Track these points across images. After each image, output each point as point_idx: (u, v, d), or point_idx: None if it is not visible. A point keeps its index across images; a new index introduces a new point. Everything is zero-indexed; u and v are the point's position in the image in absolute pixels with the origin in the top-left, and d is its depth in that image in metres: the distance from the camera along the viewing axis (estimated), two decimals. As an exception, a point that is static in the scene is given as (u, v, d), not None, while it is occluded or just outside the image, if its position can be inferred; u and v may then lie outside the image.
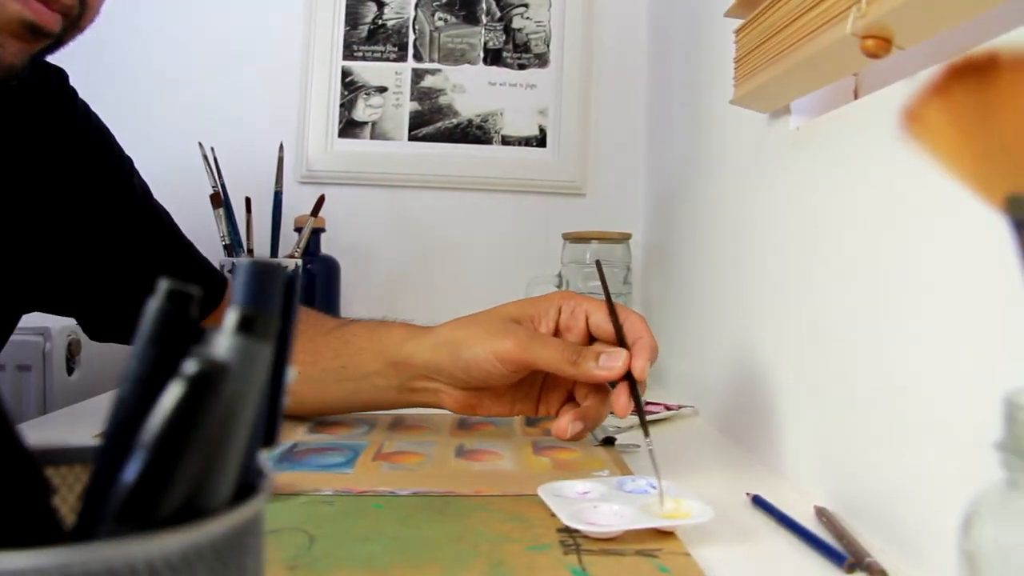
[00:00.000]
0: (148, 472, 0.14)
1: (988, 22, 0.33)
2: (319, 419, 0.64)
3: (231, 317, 0.15)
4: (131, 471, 0.14)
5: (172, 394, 0.14)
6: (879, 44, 0.36)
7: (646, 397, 0.78)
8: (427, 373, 0.53)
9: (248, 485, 0.16)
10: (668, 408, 0.72)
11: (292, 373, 0.18)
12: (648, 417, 0.68)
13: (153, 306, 0.17)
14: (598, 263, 0.55)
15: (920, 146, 0.17)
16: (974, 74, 0.15)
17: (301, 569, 0.35)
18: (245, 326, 0.15)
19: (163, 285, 0.17)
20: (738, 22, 0.54)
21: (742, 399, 0.63)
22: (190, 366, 0.14)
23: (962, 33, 0.35)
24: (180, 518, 0.14)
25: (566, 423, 0.48)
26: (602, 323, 0.50)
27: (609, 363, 0.47)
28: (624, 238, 0.91)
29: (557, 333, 0.52)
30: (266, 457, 0.51)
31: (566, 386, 0.53)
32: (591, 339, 0.52)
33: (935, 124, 0.16)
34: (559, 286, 0.92)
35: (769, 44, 0.46)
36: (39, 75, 0.62)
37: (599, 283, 0.91)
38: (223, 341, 0.15)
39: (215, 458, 0.15)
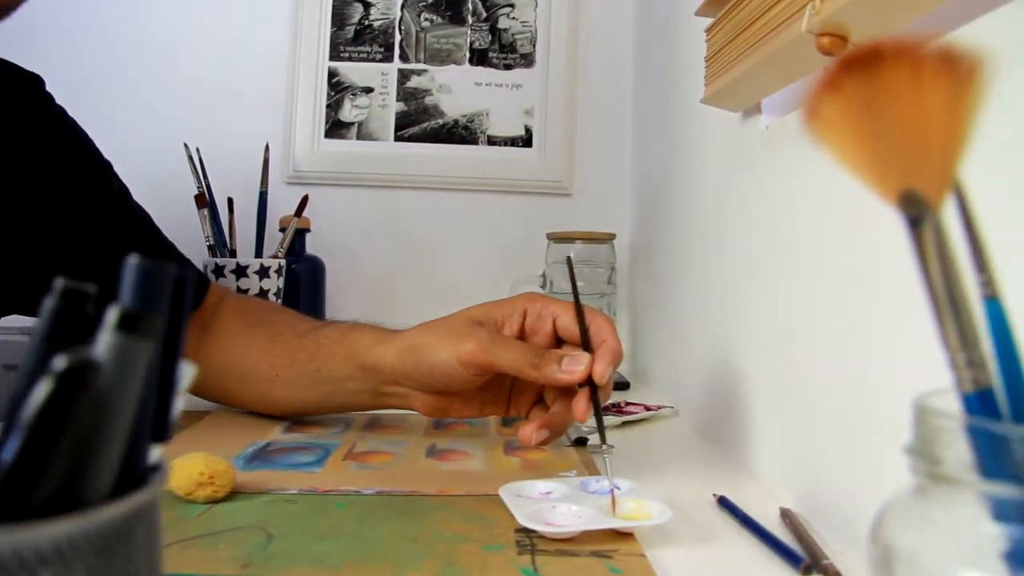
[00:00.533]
0: (17, 461, 0.14)
1: (947, 17, 0.33)
2: (296, 418, 0.65)
3: (111, 315, 0.15)
4: (2, 458, 0.14)
5: (42, 389, 0.14)
6: (834, 42, 0.35)
7: (629, 398, 0.78)
8: (395, 378, 0.53)
9: (136, 479, 0.16)
10: (648, 408, 0.71)
11: (189, 371, 0.18)
12: (628, 417, 0.69)
13: (48, 304, 0.17)
14: (568, 260, 0.54)
15: (819, 142, 0.17)
16: (861, 67, 0.15)
17: (254, 567, 0.35)
18: (124, 324, 0.15)
19: (58, 284, 0.17)
20: (710, 21, 0.54)
21: (718, 400, 0.63)
22: (59, 362, 0.14)
23: (921, 29, 0.35)
24: (54, 510, 0.14)
25: (531, 431, 0.47)
26: (569, 325, 0.50)
27: (571, 367, 0.46)
28: (608, 238, 0.91)
29: (523, 335, 0.51)
30: (234, 456, 0.50)
31: (535, 388, 0.53)
32: (559, 341, 0.51)
33: (831, 119, 0.16)
34: (543, 286, 0.92)
35: (735, 43, 0.46)
36: (15, 81, 0.62)
37: (580, 283, 0.91)
38: (102, 339, 0.15)
39: (89, 450, 0.15)
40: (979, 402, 0.17)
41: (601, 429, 0.46)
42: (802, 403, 0.46)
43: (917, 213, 0.15)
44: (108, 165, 0.68)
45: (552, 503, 0.42)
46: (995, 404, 0.17)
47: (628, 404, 0.74)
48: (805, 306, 0.46)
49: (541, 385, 0.52)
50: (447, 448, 0.57)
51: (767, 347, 0.51)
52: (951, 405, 0.18)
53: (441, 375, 0.49)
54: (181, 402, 0.18)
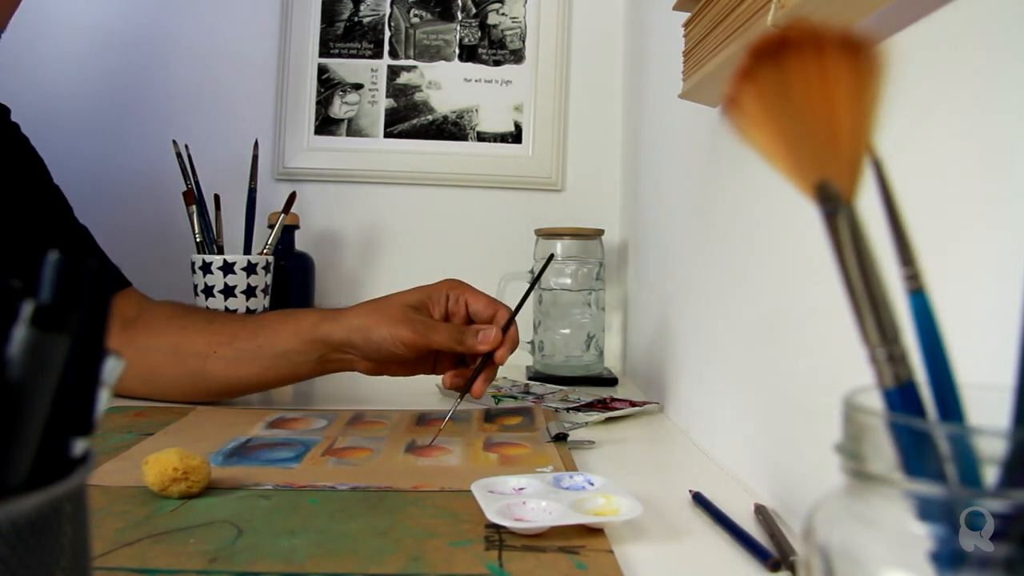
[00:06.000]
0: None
1: (906, 9, 0.33)
2: (278, 415, 0.65)
3: (26, 310, 0.15)
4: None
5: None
6: (801, 36, 0.35)
7: (615, 394, 0.78)
8: (343, 348, 0.62)
9: (57, 472, 0.16)
10: (633, 404, 0.71)
11: (116, 366, 0.18)
12: (613, 413, 0.69)
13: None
14: (551, 257, 0.66)
15: (739, 133, 0.16)
16: (771, 55, 0.15)
17: (221, 561, 0.36)
18: (37, 319, 0.15)
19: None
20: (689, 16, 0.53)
21: (700, 396, 0.63)
22: (-36, 357, 0.14)
23: (892, 19, 0.35)
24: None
25: (480, 385, 0.59)
26: (480, 309, 0.62)
27: (485, 337, 0.59)
28: (597, 234, 0.90)
29: (447, 315, 0.63)
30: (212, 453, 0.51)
31: (455, 354, 0.64)
32: (469, 320, 0.63)
33: (749, 110, 0.16)
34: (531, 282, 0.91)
35: (709, 38, 0.46)
36: None
37: (568, 279, 0.91)
38: (16, 333, 0.15)
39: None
40: (900, 398, 0.17)
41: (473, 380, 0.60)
42: (780, 401, 0.46)
43: (831, 206, 0.15)
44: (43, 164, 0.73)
45: (523, 499, 0.42)
46: (918, 400, 0.17)
47: (614, 400, 0.74)
48: (786, 305, 0.46)
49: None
50: (426, 444, 0.57)
51: (748, 345, 0.51)
52: (878, 402, 0.18)
53: (385, 351, 0.60)
54: (107, 396, 0.18)
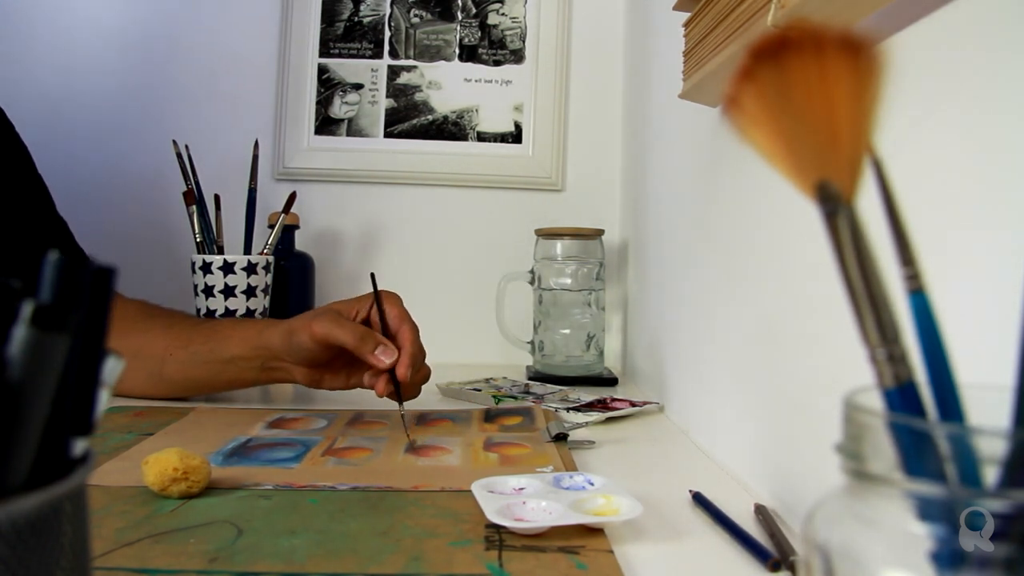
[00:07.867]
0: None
1: (906, 9, 0.33)
2: (278, 415, 0.65)
3: (26, 310, 0.15)
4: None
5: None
6: (801, 36, 0.35)
7: (615, 394, 0.78)
8: (279, 355, 0.65)
9: (57, 472, 0.16)
10: (633, 404, 0.71)
11: (116, 366, 0.18)
12: (613, 413, 0.69)
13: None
14: (372, 276, 0.65)
15: (740, 133, 0.16)
16: (771, 55, 0.15)
17: (221, 561, 0.36)
18: (36, 319, 0.15)
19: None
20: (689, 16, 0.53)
21: (700, 396, 0.63)
22: (-36, 357, 0.14)
23: (892, 19, 0.35)
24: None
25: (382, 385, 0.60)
26: (391, 318, 0.63)
27: (382, 355, 0.59)
28: (597, 234, 0.90)
29: (369, 320, 0.64)
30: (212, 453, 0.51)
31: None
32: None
33: (749, 110, 0.16)
34: (531, 282, 0.92)
35: (710, 38, 0.46)
36: None
37: (569, 279, 0.91)
38: (16, 333, 0.15)
39: (-1, 445, 0.15)
40: (900, 398, 0.17)
41: (399, 397, 0.60)
42: (780, 401, 0.46)
43: (831, 206, 0.15)
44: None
45: (523, 499, 0.42)
46: (918, 400, 0.17)
47: (614, 400, 0.74)
48: (785, 305, 0.46)
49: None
50: (427, 444, 0.57)
51: (748, 345, 0.51)
52: (878, 402, 0.18)
53: (304, 350, 0.62)
54: (107, 396, 0.18)
